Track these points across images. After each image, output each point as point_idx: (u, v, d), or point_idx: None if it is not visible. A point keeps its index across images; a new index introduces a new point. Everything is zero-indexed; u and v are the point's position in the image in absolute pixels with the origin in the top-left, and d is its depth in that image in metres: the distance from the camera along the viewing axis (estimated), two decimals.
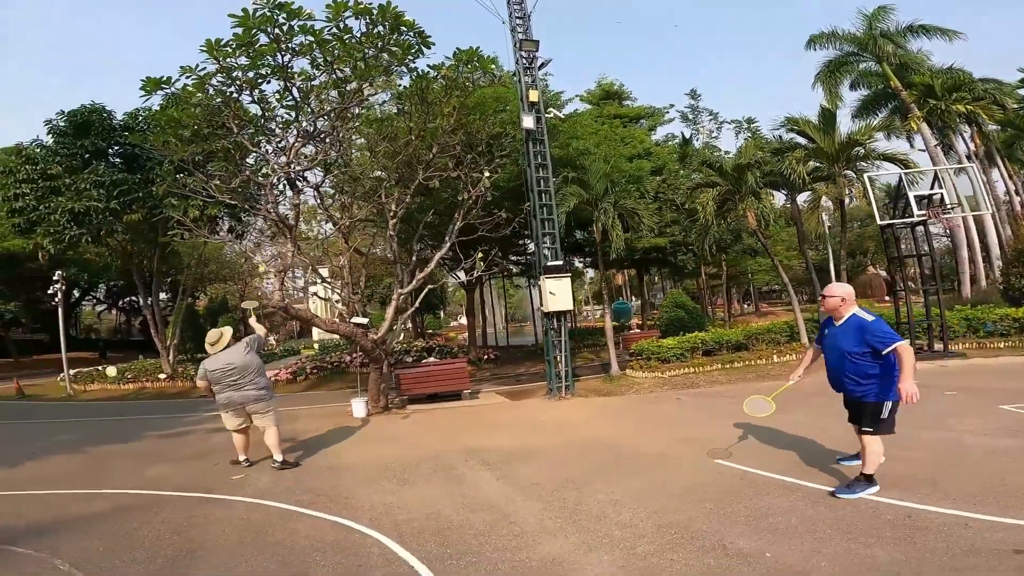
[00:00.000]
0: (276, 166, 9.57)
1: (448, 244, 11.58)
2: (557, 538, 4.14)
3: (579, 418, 8.95)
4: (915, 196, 10.82)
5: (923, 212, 10.69)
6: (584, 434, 7.69)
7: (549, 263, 11.06)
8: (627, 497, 4.83)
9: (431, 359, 13.14)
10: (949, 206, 10.74)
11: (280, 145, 9.84)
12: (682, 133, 26.22)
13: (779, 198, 19.88)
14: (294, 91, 9.08)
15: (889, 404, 4.34)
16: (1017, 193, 22.74)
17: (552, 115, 12.39)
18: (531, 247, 27.19)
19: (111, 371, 19.14)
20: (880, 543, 3.39)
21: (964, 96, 20.71)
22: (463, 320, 36.48)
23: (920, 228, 12.32)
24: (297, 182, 10.51)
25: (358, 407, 10.41)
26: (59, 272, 19.03)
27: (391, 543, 4.30)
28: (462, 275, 19.83)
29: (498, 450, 7.04)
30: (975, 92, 20.13)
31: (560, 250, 11.31)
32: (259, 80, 8.65)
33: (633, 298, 39.49)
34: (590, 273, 54.68)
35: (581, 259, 27.31)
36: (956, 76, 21.11)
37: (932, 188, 11.05)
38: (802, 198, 15.52)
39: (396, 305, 11.05)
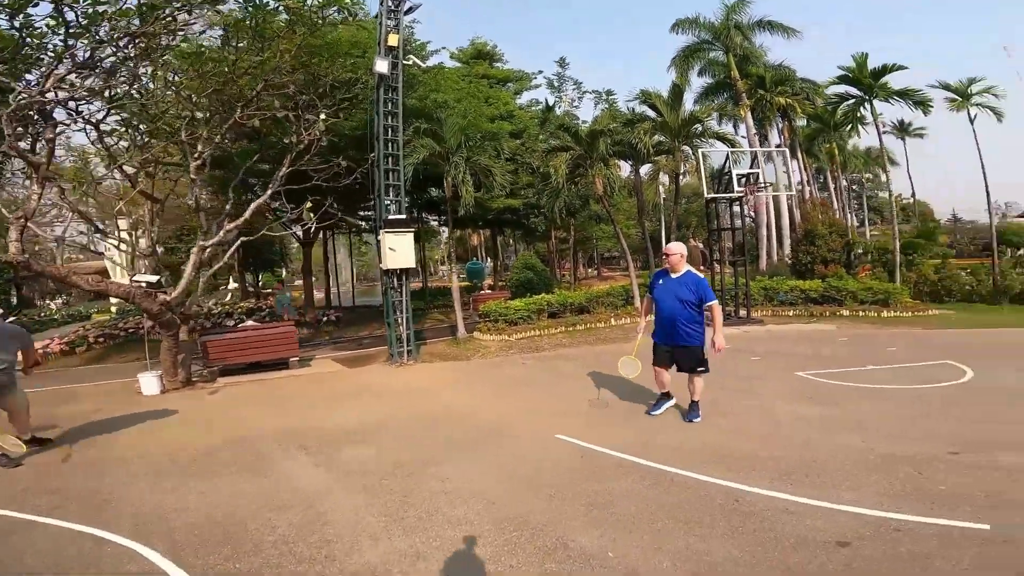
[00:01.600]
0: (26, 95, 7.08)
1: (270, 192, 9.89)
2: (378, 543, 3.49)
3: (419, 387, 8.35)
4: (737, 174, 11.85)
5: (742, 189, 11.78)
6: (423, 406, 7.10)
7: (391, 216, 10.03)
8: (463, 484, 4.34)
9: (250, 322, 11.39)
10: (762, 185, 12.01)
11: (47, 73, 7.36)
12: (546, 100, 26.12)
13: (625, 169, 21.05)
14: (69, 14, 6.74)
15: (704, 348, 5.38)
16: (808, 183, 26.96)
17: (412, 62, 11.07)
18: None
19: None
20: (715, 535, 3.31)
21: (786, 90, 23.76)
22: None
23: (736, 206, 13.71)
24: (68, 114, 8.07)
25: (148, 383, 8.65)
26: None
27: (157, 557, 3.38)
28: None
29: (321, 430, 6.12)
30: (794, 88, 23.22)
31: (408, 205, 10.33)
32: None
33: (488, 259, 39.71)
34: (445, 232, 54.18)
35: (435, 217, 26.42)
36: (783, 72, 24.19)
37: (751, 167, 12.23)
38: (645, 170, 16.43)
39: (197, 260, 9.18)
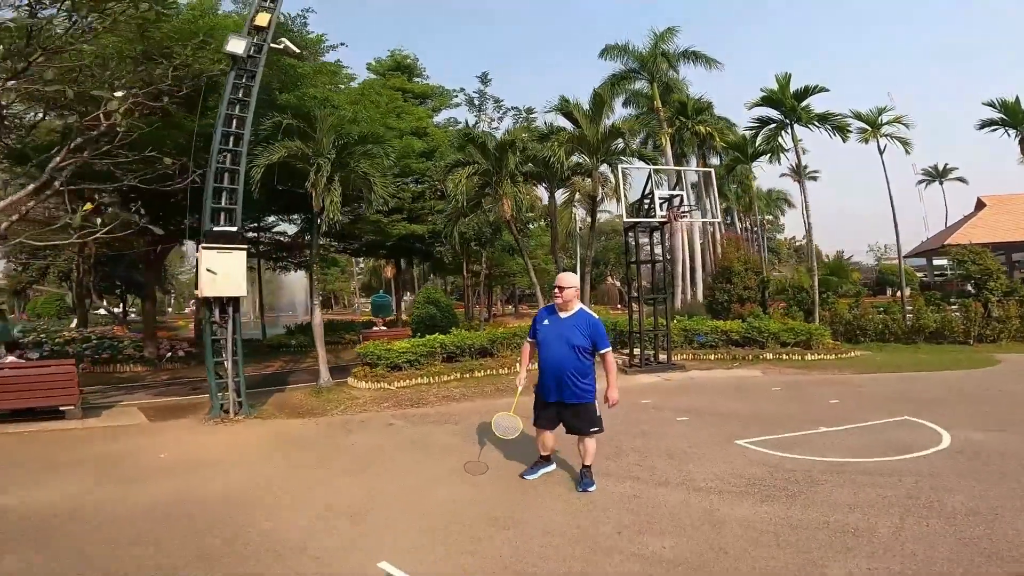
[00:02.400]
0: None
1: (32, 187, 7.07)
2: None
3: (217, 457, 5.78)
4: (659, 196, 10.45)
5: (664, 214, 10.36)
6: (196, 490, 4.61)
7: (215, 228, 7.49)
8: None
9: (9, 358, 8.21)
10: (686, 209, 10.68)
11: None
12: (466, 120, 24.51)
13: (541, 197, 19.58)
14: None
15: (596, 404, 4.42)
16: (720, 223, 27.10)
17: (283, 46, 8.78)
18: (278, 224, 22.55)
19: None
20: None
21: (705, 119, 23.77)
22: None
23: (657, 234, 12.36)
24: None
25: None
26: None
27: None
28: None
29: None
30: (713, 120, 23.29)
31: (239, 214, 7.83)
32: None
33: (407, 292, 36.85)
34: (360, 262, 50.50)
35: (341, 244, 23.57)
36: (703, 103, 24.25)
37: (674, 190, 10.91)
38: (560, 196, 14.86)
39: None
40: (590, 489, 4.48)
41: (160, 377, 12.74)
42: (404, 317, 22.63)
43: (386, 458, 5.65)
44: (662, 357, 11.34)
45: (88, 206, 7.31)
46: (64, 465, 5.43)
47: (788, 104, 15.71)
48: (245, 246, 7.75)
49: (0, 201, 7.67)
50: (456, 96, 24.29)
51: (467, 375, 10.62)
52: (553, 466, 4.93)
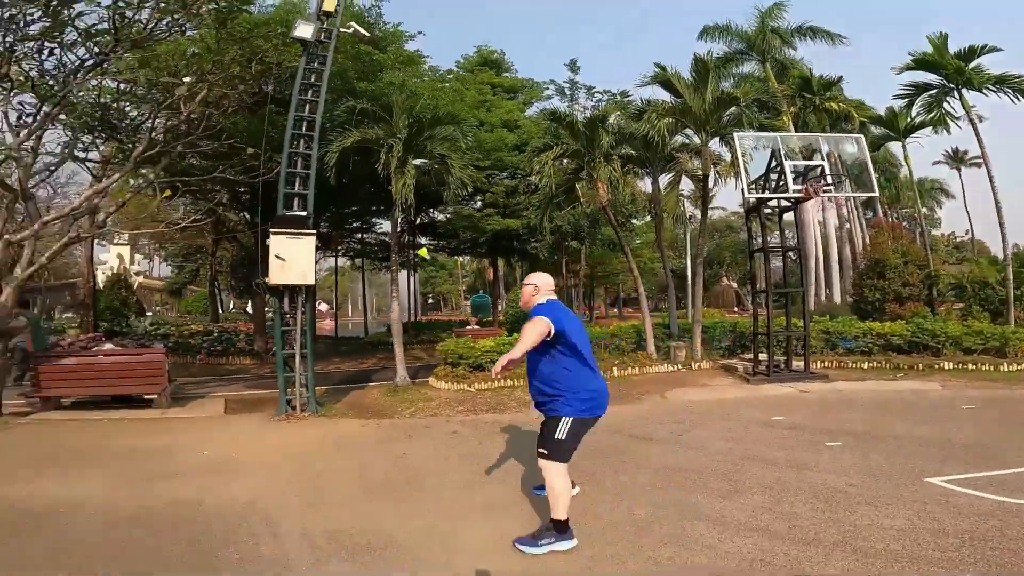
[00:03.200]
0: None
1: (123, 172, 7.11)
2: None
3: (257, 458, 5.21)
4: (792, 168, 8.45)
5: (799, 188, 8.33)
6: (211, 494, 3.96)
7: (285, 213, 7.06)
8: None
9: (108, 345, 8.47)
10: (830, 181, 8.50)
11: None
12: (556, 110, 23.40)
13: (642, 188, 17.81)
14: None
15: (568, 421, 3.22)
16: (857, 217, 23.18)
17: (352, 30, 8.41)
18: (381, 224, 23.14)
19: None
20: None
21: (836, 95, 20.26)
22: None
23: (787, 219, 10.25)
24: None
25: None
26: None
27: None
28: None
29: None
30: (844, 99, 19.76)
31: (311, 199, 7.37)
32: None
33: (508, 293, 36.56)
34: (465, 261, 51.45)
35: (434, 240, 23.62)
36: (831, 79, 20.68)
37: (812, 160, 8.83)
38: (664, 181, 13.08)
39: (3, 259, 6.36)
40: (523, 548, 3.16)
41: (262, 370, 13.05)
42: (502, 318, 22.00)
43: (432, 476, 4.63)
44: (796, 365, 9.25)
45: (166, 193, 7.25)
46: (107, 457, 5.13)
47: (951, 66, 12.53)
48: (313, 232, 7.26)
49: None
50: (547, 88, 23.10)
51: None
52: (575, 489, 3.75)
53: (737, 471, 4.46)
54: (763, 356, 9.36)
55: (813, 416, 6.45)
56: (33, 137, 6.94)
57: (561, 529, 3.20)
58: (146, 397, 7.77)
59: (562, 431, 3.23)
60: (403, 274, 27.55)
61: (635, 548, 3.16)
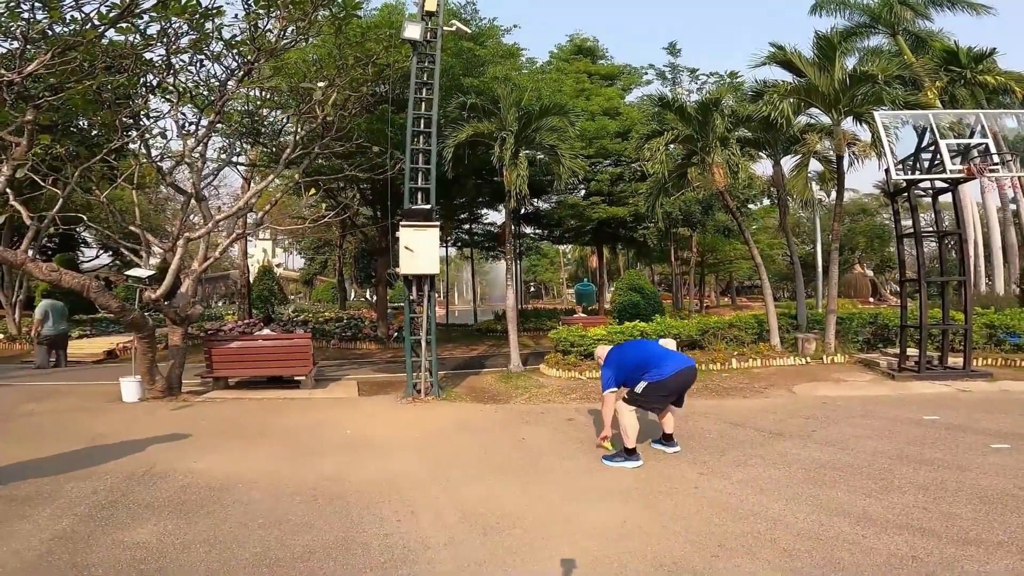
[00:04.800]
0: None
1: (276, 173, 8.06)
2: None
3: (392, 438, 5.67)
4: (949, 146, 7.44)
5: (960, 168, 7.31)
6: (355, 472, 4.39)
7: (412, 207, 7.58)
8: None
9: (266, 331, 9.67)
10: (998, 160, 7.35)
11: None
12: (663, 96, 22.50)
13: (761, 173, 16.59)
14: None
15: (643, 385, 4.57)
16: None
17: (455, 28, 8.78)
18: (488, 215, 23.91)
19: None
20: None
21: (990, 68, 17.41)
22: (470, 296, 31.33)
23: (942, 201, 9.06)
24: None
25: (128, 389, 7.53)
26: None
27: None
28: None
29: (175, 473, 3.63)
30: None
31: (433, 192, 7.83)
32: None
33: (613, 281, 36.12)
34: (567, 250, 51.38)
35: (544, 231, 23.91)
36: (983, 51, 17.77)
37: (973, 138, 7.70)
38: (788, 165, 12.10)
39: (180, 253, 7.52)
40: (605, 462, 4.56)
41: (386, 355, 14.15)
42: (607, 306, 21.79)
43: (552, 459, 4.79)
44: (952, 361, 8.21)
45: (312, 192, 8.11)
46: (269, 434, 5.84)
47: None
48: (438, 223, 7.73)
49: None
50: (646, 73, 22.10)
51: None
52: (677, 447, 4.88)
53: (884, 470, 4.13)
54: (912, 351, 8.41)
55: (974, 417, 5.72)
56: (201, 144, 8.07)
57: (631, 453, 4.49)
58: (295, 378, 8.79)
59: (640, 387, 4.56)
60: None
61: (768, 540, 3.08)
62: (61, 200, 6.65)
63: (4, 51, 5.95)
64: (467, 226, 23.21)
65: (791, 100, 9.50)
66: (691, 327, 10.59)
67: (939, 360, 8.31)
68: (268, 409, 7.23)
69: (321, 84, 7.35)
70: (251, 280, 19.13)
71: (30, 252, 6.88)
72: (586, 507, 3.68)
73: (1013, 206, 20.59)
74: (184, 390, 8.10)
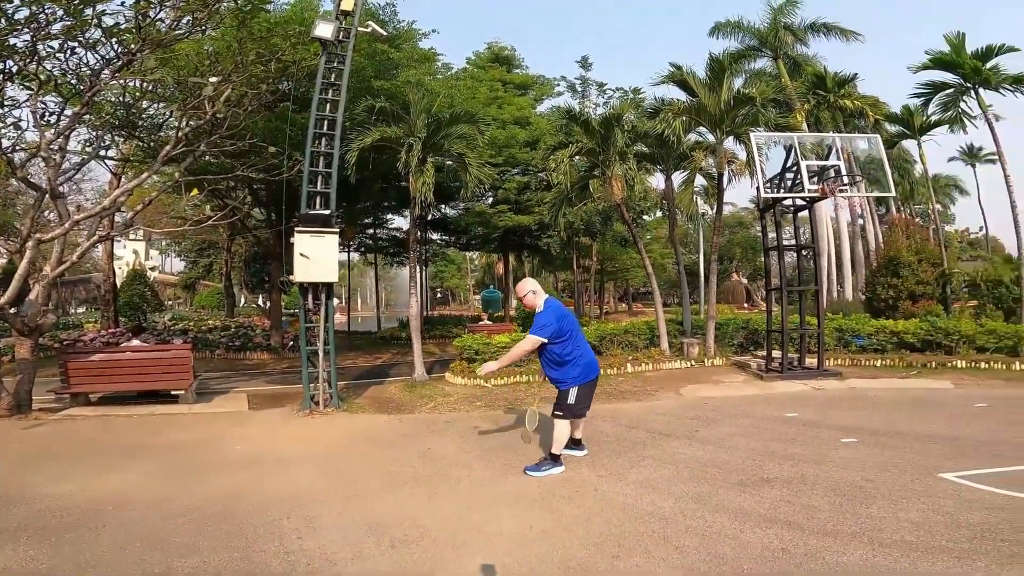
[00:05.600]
0: None
1: (152, 170, 7.29)
2: None
3: (288, 454, 5.34)
4: (808, 167, 8.52)
5: (815, 188, 8.39)
6: (245, 490, 4.05)
7: (309, 212, 7.22)
8: None
9: (135, 341, 8.71)
10: (846, 181, 8.55)
11: None
12: (571, 109, 23.47)
13: (655, 183, 17.81)
14: None
15: (575, 390, 4.50)
16: (870, 214, 23.06)
17: (370, 29, 8.51)
18: (394, 220, 23.29)
19: None
20: None
21: (851, 92, 20.14)
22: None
23: (799, 219, 10.33)
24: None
25: None
26: None
27: None
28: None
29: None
30: (858, 96, 19.61)
31: (333, 197, 7.51)
32: None
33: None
34: (473, 257, 51.56)
35: (451, 237, 23.78)
36: (845, 76, 20.56)
37: (827, 160, 8.88)
38: (678, 179, 13.15)
39: (30, 256, 6.55)
40: (530, 473, 4.48)
41: (280, 365, 13.29)
42: (513, 313, 22.16)
43: (458, 470, 4.79)
44: (809, 362, 9.34)
45: (195, 192, 7.44)
46: (145, 452, 5.32)
47: (968, 66, 12.46)
48: (336, 230, 7.42)
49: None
50: (558, 84, 23.08)
51: None
52: (584, 451, 5.00)
53: (755, 466, 4.59)
54: (776, 353, 9.45)
55: (828, 413, 6.55)
56: (61, 137, 7.12)
57: (556, 460, 4.55)
58: (172, 393, 8.00)
59: (572, 397, 4.48)
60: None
61: (662, 538, 3.30)
62: None
63: None
64: (371, 231, 22.56)
65: (683, 119, 10.32)
66: (590, 334, 11.09)
67: (799, 361, 9.42)
68: (141, 426, 6.54)
69: (214, 79, 6.75)
70: (118, 284, 17.03)
71: None
72: (494, 515, 3.72)
73: (861, 221, 23.95)
74: (35, 407, 7.16)
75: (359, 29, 8.32)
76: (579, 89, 23.12)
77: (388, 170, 9.83)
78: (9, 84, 6.28)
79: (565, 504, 3.90)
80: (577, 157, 11.14)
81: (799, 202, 9.44)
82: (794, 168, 8.71)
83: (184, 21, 6.86)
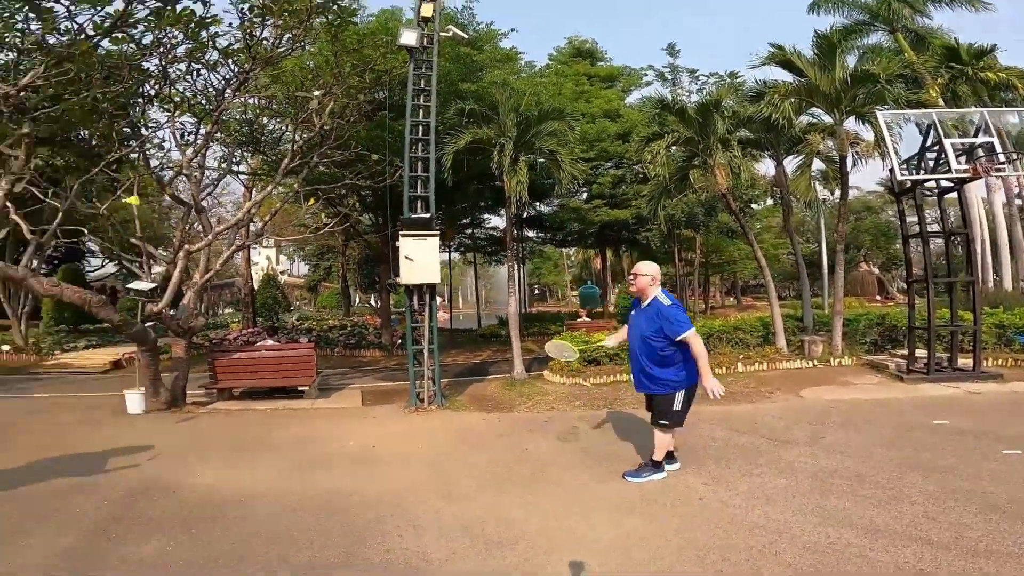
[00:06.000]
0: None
1: (275, 182, 8.07)
2: None
3: (395, 451, 5.61)
4: (953, 144, 7.37)
5: (966, 167, 7.23)
6: (358, 486, 4.30)
7: (411, 216, 7.58)
8: None
9: (269, 341, 9.70)
10: (1003, 159, 7.27)
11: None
12: (663, 98, 22.49)
13: (763, 172, 16.49)
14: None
15: (681, 395, 4.13)
16: None
17: (451, 34, 8.76)
18: (490, 219, 23.88)
19: None
20: None
21: (991, 64, 17.26)
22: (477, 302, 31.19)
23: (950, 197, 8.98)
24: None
25: (133, 401, 7.51)
26: None
27: None
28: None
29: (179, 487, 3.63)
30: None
31: (432, 201, 7.81)
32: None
33: (618, 284, 36.05)
34: (570, 253, 51.32)
35: (547, 235, 23.87)
36: (984, 47, 17.64)
37: (977, 136, 7.62)
38: (790, 165, 12.03)
39: (182, 265, 7.53)
40: (629, 479, 4.27)
41: (390, 362, 14.14)
42: (612, 309, 21.72)
43: (555, 471, 4.75)
44: (962, 362, 8.11)
45: (312, 201, 8.12)
46: (272, 446, 5.82)
47: None
48: (437, 232, 7.71)
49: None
50: (645, 74, 22.05)
51: None
52: (676, 465, 4.51)
53: (892, 477, 4.07)
54: (921, 352, 8.33)
55: (985, 420, 5.63)
56: (199, 154, 8.10)
57: (658, 466, 4.31)
58: (299, 388, 8.79)
59: (678, 402, 4.12)
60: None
61: (773, 554, 3.03)
62: (61, 213, 6.68)
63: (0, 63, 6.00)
64: (469, 231, 23.24)
65: (792, 100, 9.44)
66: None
67: (948, 361, 8.21)
68: (271, 420, 7.23)
69: (317, 93, 7.34)
70: (255, 288, 19.16)
71: (33, 265, 6.93)
72: (590, 520, 3.64)
73: (1019, 202, 20.41)
74: (188, 401, 8.11)
75: (441, 34, 8.52)
76: (669, 77, 22.02)
77: (482, 171, 10.03)
78: (150, 106, 7.25)
79: (666, 512, 3.71)
80: (674, 148, 10.62)
81: (945, 184, 8.22)
82: (936, 147, 7.57)
83: (285, 39, 7.49)
